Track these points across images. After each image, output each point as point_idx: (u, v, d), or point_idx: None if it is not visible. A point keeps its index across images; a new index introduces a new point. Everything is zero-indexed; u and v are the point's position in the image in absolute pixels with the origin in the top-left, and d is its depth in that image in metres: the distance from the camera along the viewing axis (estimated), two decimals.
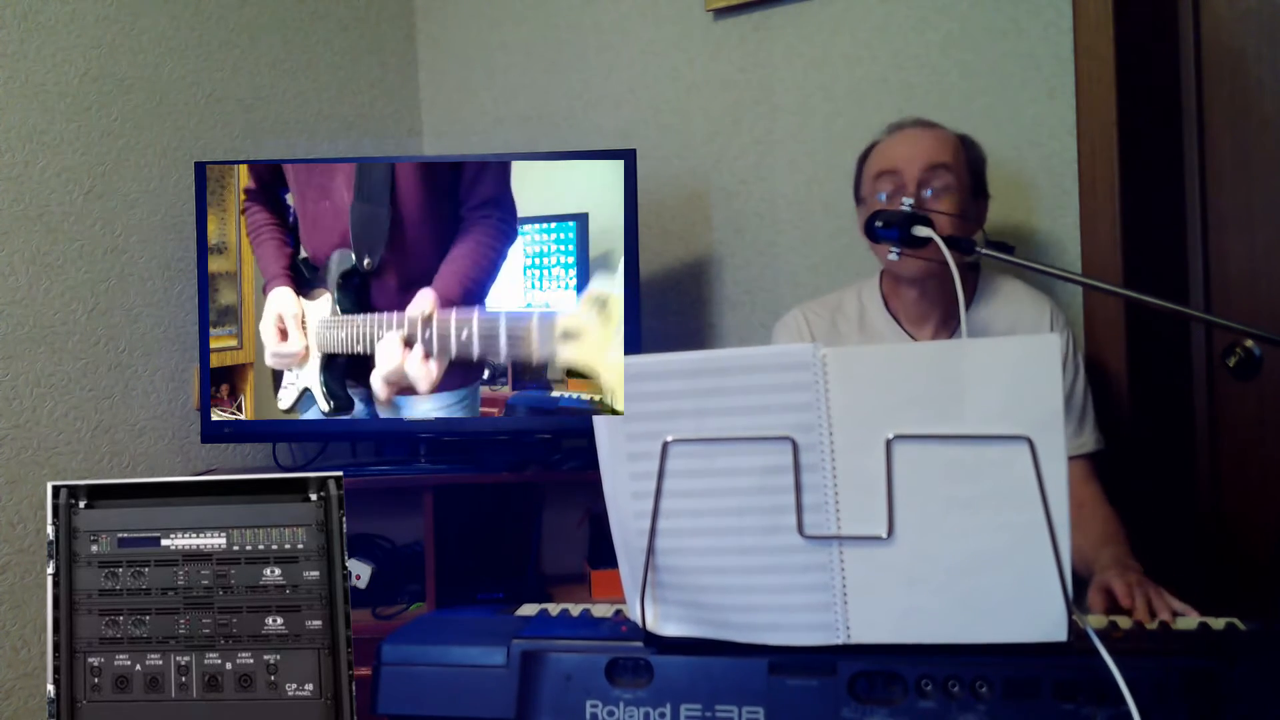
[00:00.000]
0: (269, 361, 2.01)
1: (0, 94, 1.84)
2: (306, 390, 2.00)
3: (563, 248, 1.98)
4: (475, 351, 1.72)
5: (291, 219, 2.02)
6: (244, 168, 2.02)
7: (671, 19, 2.20)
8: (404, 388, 1.81)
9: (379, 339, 1.82)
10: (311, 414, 2.00)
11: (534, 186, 1.96)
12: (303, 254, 2.02)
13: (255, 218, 2.02)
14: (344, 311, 1.93)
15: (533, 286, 1.99)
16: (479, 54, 2.46)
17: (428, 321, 1.75)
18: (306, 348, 1.98)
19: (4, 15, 1.85)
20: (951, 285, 1.54)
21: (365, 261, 1.92)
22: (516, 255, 1.98)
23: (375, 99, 2.45)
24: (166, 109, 2.08)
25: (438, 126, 2.53)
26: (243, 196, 2.02)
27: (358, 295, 1.93)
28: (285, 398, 2.03)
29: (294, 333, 1.99)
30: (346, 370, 1.98)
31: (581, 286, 1.98)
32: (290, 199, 2.03)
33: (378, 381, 1.81)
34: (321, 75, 2.35)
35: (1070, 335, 1.61)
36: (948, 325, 1.60)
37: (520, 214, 1.96)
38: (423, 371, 1.77)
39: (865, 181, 1.61)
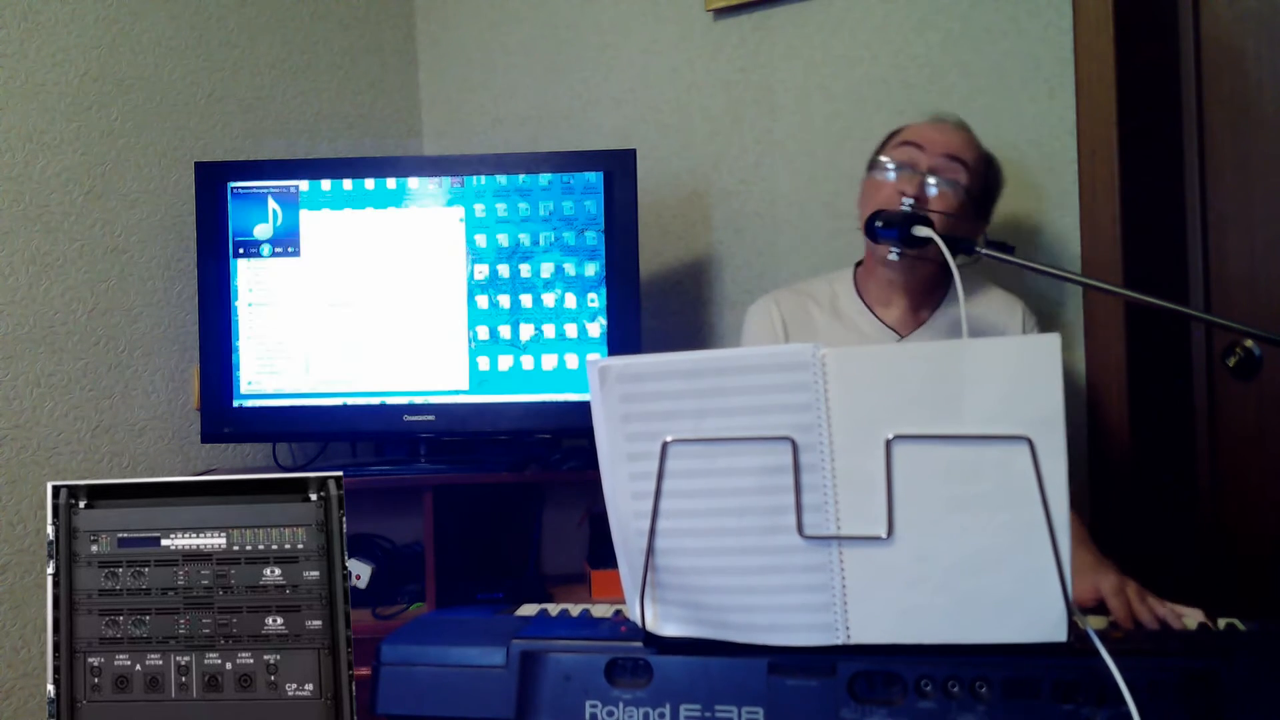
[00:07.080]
0: None
1: (0, 94, 1.84)
2: None
3: None
4: None
5: None
6: None
7: (671, 19, 2.20)
8: None
9: None
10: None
11: None
12: None
13: None
14: None
15: None
16: (479, 54, 2.46)
17: None
18: None
19: (4, 15, 1.85)
20: (922, 275, 1.57)
21: None
22: None
23: (375, 99, 2.45)
24: (166, 109, 2.07)
25: (438, 126, 2.53)
26: None
27: None
28: None
29: None
30: None
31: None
32: None
33: None
34: (321, 75, 2.34)
35: (1036, 325, 1.64)
36: (916, 314, 1.62)
37: None
38: None
39: (887, 147, 1.62)
